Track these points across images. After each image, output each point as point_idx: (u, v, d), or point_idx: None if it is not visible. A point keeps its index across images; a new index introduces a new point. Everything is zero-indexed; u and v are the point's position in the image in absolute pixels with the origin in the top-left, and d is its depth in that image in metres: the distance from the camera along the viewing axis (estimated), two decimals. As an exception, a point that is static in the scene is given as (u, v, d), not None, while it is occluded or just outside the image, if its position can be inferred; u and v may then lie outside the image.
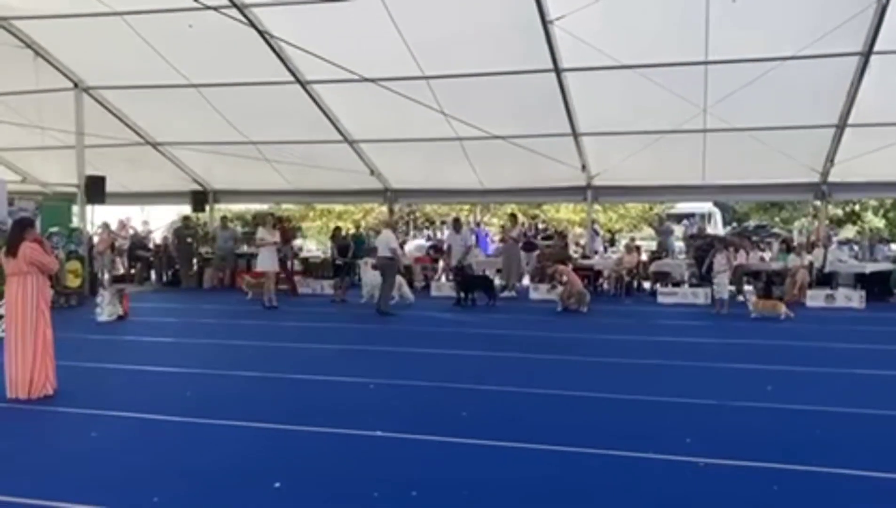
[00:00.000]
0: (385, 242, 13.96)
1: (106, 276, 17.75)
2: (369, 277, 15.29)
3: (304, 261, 20.69)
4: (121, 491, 4.72)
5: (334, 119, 16.53)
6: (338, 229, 18.59)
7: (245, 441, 5.82)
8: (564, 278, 14.43)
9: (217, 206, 21.58)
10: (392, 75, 13.48)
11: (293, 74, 14.78)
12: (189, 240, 19.32)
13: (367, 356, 9.64)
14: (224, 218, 20.20)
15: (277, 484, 4.78)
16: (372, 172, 18.61)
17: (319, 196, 22.93)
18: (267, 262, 14.68)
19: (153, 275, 20.39)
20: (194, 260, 19.69)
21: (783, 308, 13.01)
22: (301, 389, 7.72)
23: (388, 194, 19.94)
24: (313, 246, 29.32)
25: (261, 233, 15.02)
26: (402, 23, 12.81)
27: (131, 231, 20.84)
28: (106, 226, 18.56)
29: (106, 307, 12.62)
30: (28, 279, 7.03)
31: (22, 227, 7.30)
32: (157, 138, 18.40)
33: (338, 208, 31.06)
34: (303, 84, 15.18)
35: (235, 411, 6.61)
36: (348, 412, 6.58)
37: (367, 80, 12.67)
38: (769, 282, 16.61)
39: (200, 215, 21.37)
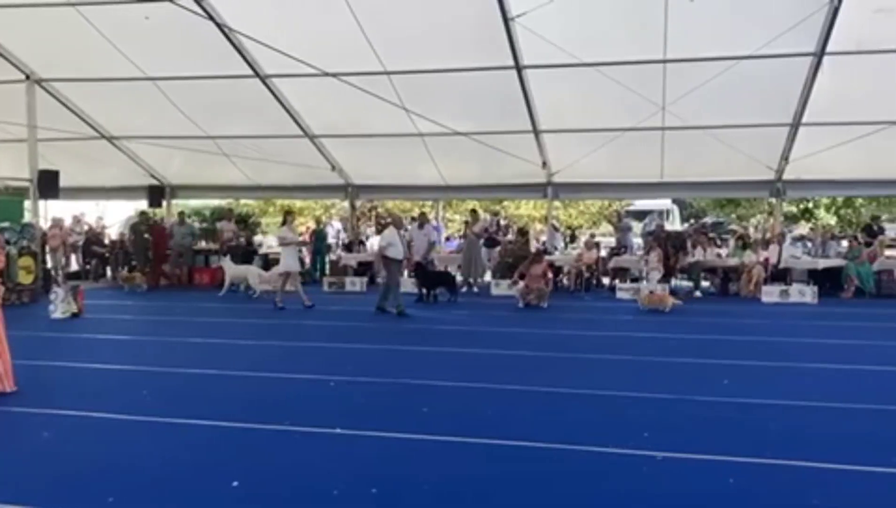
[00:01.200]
0: (385, 239, 13.46)
1: (60, 272, 17.39)
2: (233, 271, 15.99)
3: (264, 257, 20.50)
4: (74, 492, 4.64)
5: (294, 114, 16.38)
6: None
7: (202, 440, 5.74)
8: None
9: (174, 201, 21.22)
10: (353, 70, 13.42)
11: (252, 67, 14.60)
12: (146, 236, 18.98)
13: (327, 353, 9.58)
14: (181, 213, 19.88)
15: (235, 483, 4.73)
16: (333, 168, 18.51)
17: (279, 192, 22.71)
18: (290, 262, 14.02)
19: (109, 272, 20.02)
20: (151, 256, 19.34)
21: (670, 301, 13.37)
22: (260, 386, 7.64)
23: (350, 190, 19.86)
24: (273, 242, 29.01)
25: (282, 232, 14.34)
26: (363, 17, 12.73)
27: (86, 227, 20.43)
28: (59, 222, 18.17)
29: (60, 305, 12.37)
30: None
31: None
32: (113, 132, 18.04)
33: (298, 203, 30.80)
34: (262, 78, 15.00)
35: (192, 409, 6.52)
36: (308, 410, 6.53)
37: (327, 74, 12.59)
38: (725, 277, 16.92)
39: (157, 210, 21.03)
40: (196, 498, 4.57)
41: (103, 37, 13.66)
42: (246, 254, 18.41)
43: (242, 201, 27.47)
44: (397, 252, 13.12)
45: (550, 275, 15.32)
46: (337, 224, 29.03)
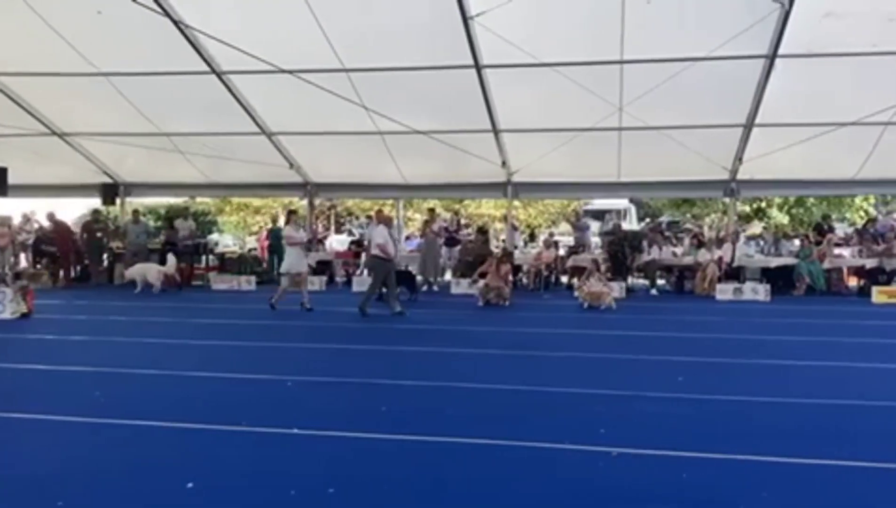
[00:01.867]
0: (374, 237, 13.00)
1: (8, 272, 16.96)
2: (132, 269, 16.20)
3: (221, 256, 20.30)
4: (23, 496, 4.51)
5: (251, 111, 16.19)
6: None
7: (156, 441, 5.64)
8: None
9: (128, 199, 20.84)
10: (311, 67, 13.30)
11: (208, 64, 14.39)
12: (99, 234, 18.63)
13: (284, 353, 9.50)
14: (136, 212, 19.54)
15: (190, 485, 4.66)
16: (291, 166, 18.35)
17: (236, 190, 22.47)
18: (297, 262, 13.54)
19: (61, 271, 19.58)
20: (104, 255, 19.02)
21: (609, 298, 13.62)
22: (216, 387, 7.54)
23: (309, 189, 19.72)
24: (230, 241, 28.74)
25: (287, 231, 13.91)
26: (322, 15, 12.64)
27: (36, 225, 19.96)
28: (6, 220, 17.71)
29: (8, 305, 12.09)
30: None
31: None
32: (64, 129, 17.63)
33: (256, 202, 30.52)
34: (218, 74, 14.80)
35: (146, 410, 6.41)
36: (264, 410, 6.46)
37: (284, 71, 12.46)
38: (681, 276, 17.19)
39: (111, 208, 20.64)
40: (149, 500, 4.49)
41: (54, 31, 13.32)
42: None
43: (199, 200, 27.12)
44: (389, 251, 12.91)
45: (510, 275, 15.43)
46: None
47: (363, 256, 18.72)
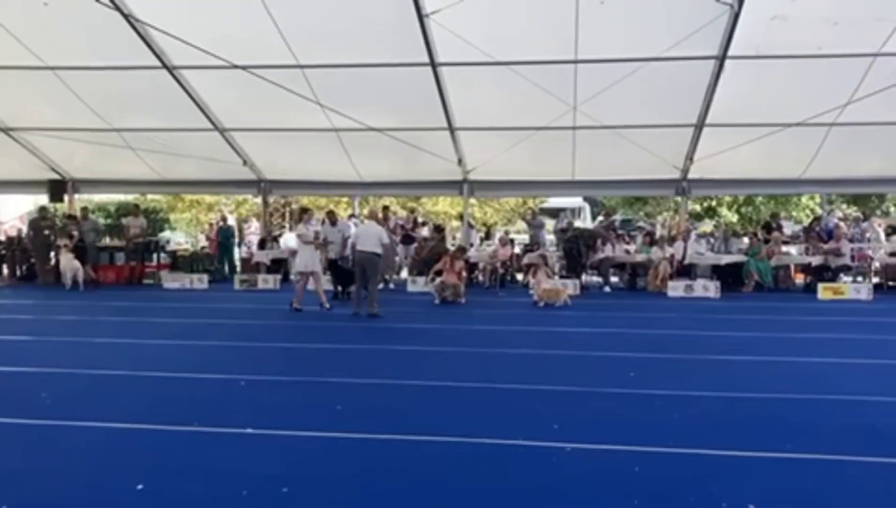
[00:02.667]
0: (376, 234, 12.38)
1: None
2: (64, 263, 16.01)
3: (173, 254, 19.98)
4: (-36, 502, 4.39)
5: (204, 107, 15.98)
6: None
7: (105, 442, 5.53)
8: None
9: (77, 196, 20.38)
10: (265, 63, 13.18)
11: (159, 58, 14.17)
12: (46, 232, 18.18)
13: (238, 352, 9.38)
14: (84, 209, 19.12)
15: (140, 486, 4.58)
16: (245, 163, 18.14)
17: (188, 187, 22.12)
18: (307, 260, 13.01)
19: (5, 270, 19.09)
20: (52, 253, 18.57)
21: (564, 295, 13.78)
22: (167, 387, 7.41)
23: (263, 186, 19.53)
24: (182, 238, 28.28)
25: (300, 229, 13.49)
26: (276, 10, 12.54)
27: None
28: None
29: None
30: None
31: None
32: (9, 123, 17.20)
33: (208, 199, 30.08)
34: (170, 70, 14.57)
35: (95, 411, 6.28)
36: (217, 410, 6.39)
37: (237, 67, 12.31)
38: (633, 273, 17.43)
39: (59, 205, 20.17)
40: (98, 503, 4.41)
41: (-2, 23, 13.00)
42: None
43: (150, 197, 26.63)
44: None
45: (465, 272, 15.46)
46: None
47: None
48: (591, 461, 5.13)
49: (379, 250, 12.27)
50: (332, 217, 16.84)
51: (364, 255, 12.22)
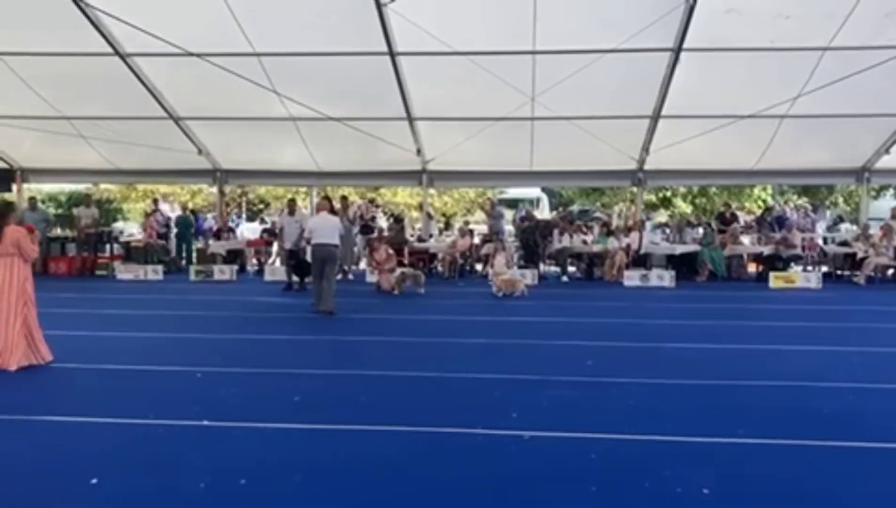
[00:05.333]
0: (333, 226, 11.71)
1: None
2: None
3: (126, 245, 19.61)
4: None
5: (157, 95, 15.65)
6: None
7: (57, 437, 5.43)
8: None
9: (26, 186, 19.85)
10: (220, 51, 12.98)
11: (111, 45, 13.82)
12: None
13: (194, 343, 9.28)
14: (32, 199, 18.63)
15: (94, 480, 4.51)
16: (200, 152, 17.86)
17: (142, 176, 21.66)
18: None
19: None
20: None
21: (521, 286, 13.97)
22: (122, 379, 7.29)
23: (218, 175, 19.25)
24: (135, 229, 27.77)
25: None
26: (232, -3, 12.35)
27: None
28: None
29: None
30: (13, 261, 7.54)
31: (3, 212, 7.72)
32: (-47, 111, 16.67)
33: (163, 188, 29.59)
34: (122, 56, 14.23)
35: (49, 405, 6.17)
36: (173, 402, 6.31)
37: (191, 54, 12.10)
38: (590, 263, 17.61)
39: (6, 195, 19.63)
40: (52, 498, 4.34)
41: (-60, 6, 12.57)
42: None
43: (102, 186, 26.09)
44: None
45: (396, 258, 15.63)
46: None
47: (275, 244, 18.45)
48: (549, 448, 5.19)
49: (337, 242, 11.72)
50: (291, 206, 16.62)
51: (323, 248, 11.49)
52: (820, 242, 18.94)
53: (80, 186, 25.28)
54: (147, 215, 20.16)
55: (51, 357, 7.79)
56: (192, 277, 16.87)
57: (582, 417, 5.92)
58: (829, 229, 20.19)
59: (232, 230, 20.70)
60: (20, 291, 7.56)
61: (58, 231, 19.07)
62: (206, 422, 5.68)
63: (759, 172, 18.25)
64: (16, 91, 15.12)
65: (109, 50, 13.94)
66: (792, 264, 17.30)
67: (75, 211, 19.43)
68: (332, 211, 12.62)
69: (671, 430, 5.51)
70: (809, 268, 17.68)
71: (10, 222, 7.73)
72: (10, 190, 19.32)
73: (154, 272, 17.02)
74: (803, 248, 17.70)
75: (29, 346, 7.64)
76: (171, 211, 25.39)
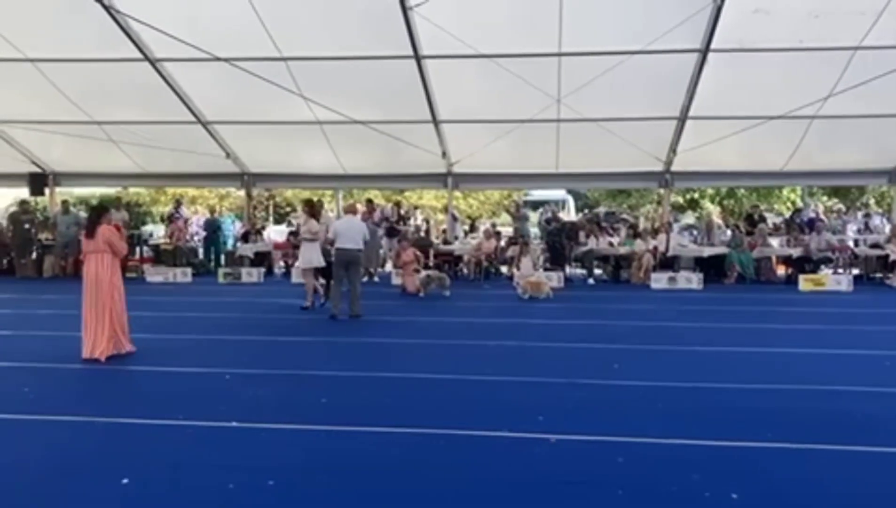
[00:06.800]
0: (359, 230, 11.60)
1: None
2: None
3: (155, 248, 19.85)
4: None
5: (186, 99, 15.87)
6: None
7: (92, 437, 5.52)
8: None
9: (58, 189, 20.19)
10: (248, 55, 13.11)
11: (142, 51, 14.04)
12: (27, 226, 18.01)
13: (223, 345, 9.37)
14: (65, 202, 18.93)
15: (125, 480, 4.57)
16: (228, 156, 18.04)
17: (171, 179, 21.95)
18: (316, 257, 12.19)
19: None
20: (33, 248, 18.41)
21: (547, 289, 13.92)
22: (152, 381, 7.40)
23: (246, 179, 19.45)
24: (162, 231, 28.08)
25: (311, 225, 12.44)
26: (259, 1, 12.45)
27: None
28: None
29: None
30: (104, 258, 8.20)
31: (99, 213, 8.54)
32: (-10, 117, 17.02)
33: (191, 192, 29.91)
34: (152, 62, 14.45)
35: (80, 405, 6.27)
36: (202, 404, 6.38)
37: (220, 59, 12.23)
38: (617, 265, 17.51)
39: (39, 199, 19.98)
40: (84, 497, 4.40)
41: (-24, 14, 12.84)
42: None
43: (132, 190, 26.43)
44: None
45: (422, 260, 15.67)
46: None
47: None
48: (575, 451, 5.17)
49: (361, 246, 11.60)
50: (317, 208, 16.63)
51: (347, 253, 11.37)
52: (851, 243, 18.64)
53: (111, 190, 25.59)
54: (171, 219, 20.18)
55: (133, 348, 8.39)
56: (220, 279, 17.03)
57: (609, 420, 5.89)
58: (859, 231, 19.81)
59: (259, 233, 20.85)
60: (110, 284, 8.19)
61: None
62: (234, 423, 5.74)
63: (788, 173, 18.03)
64: (49, 97, 15.41)
65: (140, 56, 14.15)
66: (822, 266, 17.06)
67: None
68: (356, 214, 12.53)
69: (699, 434, 5.46)
70: (840, 270, 17.43)
71: (105, 222, 8.38)
72: (42, 193, 19.68)
73: (183, 275, 17.21)
74: (834, 250, 17.46)
75: (116, 337, 8.22)
76: (197, 216, 25.60)
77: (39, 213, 19.70)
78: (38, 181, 19.30)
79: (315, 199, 16.26)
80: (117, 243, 8.33)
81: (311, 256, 12.18)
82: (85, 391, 6.97)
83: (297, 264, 13.23)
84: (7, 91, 15.72)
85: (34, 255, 18.35)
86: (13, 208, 19.62)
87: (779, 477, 4.69)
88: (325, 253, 12.14)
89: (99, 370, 7.74)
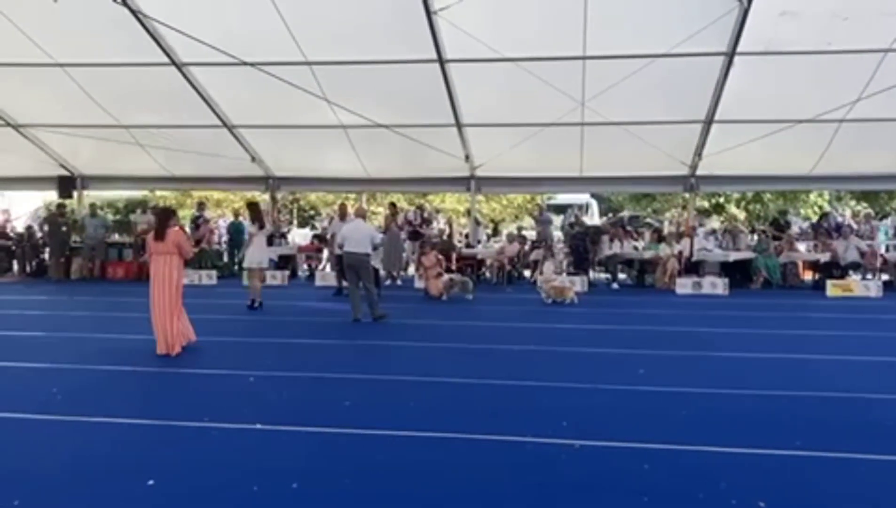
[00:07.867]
0: (366, 234, 11.54)
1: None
2: None
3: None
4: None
5: (212, 103, 16.00)
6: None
7: (116, 438, 5.57)
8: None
9: (86, 192, 20.45)
10: (273, 60, 13.20)
11: (168, 55, 14.18)
12: (64, 228, 18.29)
13: (246, 348, 9.42)
14: (93, 205, 19.17)
15: (151, 482, 4.61)
16: (253, 159, 18.18)
17: (196, 183, 22.12)
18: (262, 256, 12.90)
19: (15, 265, 19.20)
20: (67, 250, 18.67)
21: (571, 293, 13.84)
22: (177, 383, 7.46)
23: (271, 182, 19.57)
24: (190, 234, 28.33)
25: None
26: (284, 6, 12.53)
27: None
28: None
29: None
30: (173, 259, 8.72)
31: (167, 215, 9.04)
32: (19, 120, 17.28)
33: (217, 195, 30.17)
34: (178, 66, 14.59)
35: (106, 406, 6.31)
36: (227, 406, 6.41)
37: (246, 63, 12.33)
38: (641, 270, 17.40)
39: (67, 201, 20.26)
40: (109, 498, 4.44)
41: (9, 20, 13.03)
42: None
43: (158, 193, 26.71)
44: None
45: (444, 264, 15.67)
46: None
47: (325, 250, 18.63)
48: (600, 458, 5.13)
49: (369, 251, 11.47)
50: (343, 211, 16.71)
51: (354, 257, 11.36)
52: (882, 249, 18.37)
53: (137, 193, 25.89)
54: (196, 223, 20.19)
55: (195, 338, 9.04)
56: (245, 282, 17.10)
57: (634, 426, 5.84)
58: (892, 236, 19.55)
59: (284, 236, 20.96)
60: (178, 284, 8.78)
61: (115, 237, 19.55)
62: (258, 425, 5.76)
63: (816, 177, 17.78)
64: (76, 101, 15.63)
65: (166, 60, 14.29)
66: (850, 272, 16.83)
67: (132, 217, 19.90)
68: (365, 217, 12.57)
69: (726, 440, 5.40)
70: (869, 276, 17.17)
71: (173, 225, 8.89)
72: (70, 197, 19.94)
73: (208, 277, 17.34)
74: (862, 255, 17.21)
75: (182, 332, 8.81)
76: (223, 218, 25.82)
77: (69, 215, 19.96)
78: (67, 184, 19.56)
79: (258, 200, 16.55)
80: (185, 245, 8.87)
81: (259, 256, 12.87)
82: (114, 392, 7.03)
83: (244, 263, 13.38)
84: (37, 95, 15.97)
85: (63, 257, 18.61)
86: (50, 210, 19.87)
87: (807, 486, 4.63)
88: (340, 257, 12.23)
89: (122, 373, 7.81)
